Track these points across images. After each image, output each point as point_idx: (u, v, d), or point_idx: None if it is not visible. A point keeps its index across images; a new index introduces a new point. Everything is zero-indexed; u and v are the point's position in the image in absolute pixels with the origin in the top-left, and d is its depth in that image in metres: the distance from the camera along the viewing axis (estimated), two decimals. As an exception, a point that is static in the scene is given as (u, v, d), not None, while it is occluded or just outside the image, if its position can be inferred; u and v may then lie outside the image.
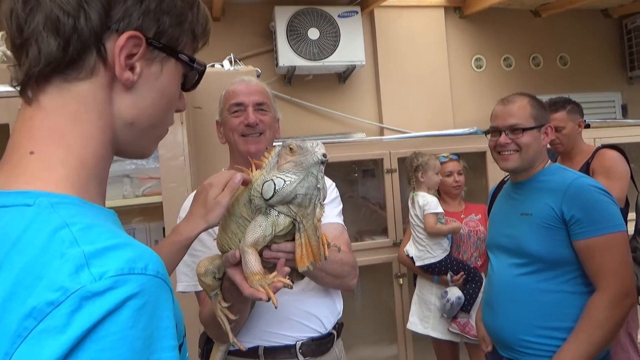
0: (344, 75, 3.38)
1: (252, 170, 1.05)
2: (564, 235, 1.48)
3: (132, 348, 0.44)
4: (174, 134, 1.93)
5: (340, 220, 1.44)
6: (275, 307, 0.97)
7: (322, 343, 1.36)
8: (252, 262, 0.97)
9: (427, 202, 2.44)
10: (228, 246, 1.07)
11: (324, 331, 1.37)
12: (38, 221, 0.48)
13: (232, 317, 1.11)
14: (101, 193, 0.60)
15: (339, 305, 1.46)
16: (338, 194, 1.50)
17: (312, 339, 1.34)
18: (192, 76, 0.67)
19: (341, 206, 1.48)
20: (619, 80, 4.07)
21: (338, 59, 3.16)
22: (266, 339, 1.33)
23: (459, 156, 2.69)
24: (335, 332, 1.41)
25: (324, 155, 0.96)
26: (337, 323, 1.43)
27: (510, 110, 1.60)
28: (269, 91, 1.47)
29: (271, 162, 1.01)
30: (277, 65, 3.14)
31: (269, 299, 0.95)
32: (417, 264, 2.48)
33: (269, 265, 1.03)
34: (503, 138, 1.60)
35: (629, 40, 4.02)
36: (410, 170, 2.54)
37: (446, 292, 2.38)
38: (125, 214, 2.12)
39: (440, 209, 2.44)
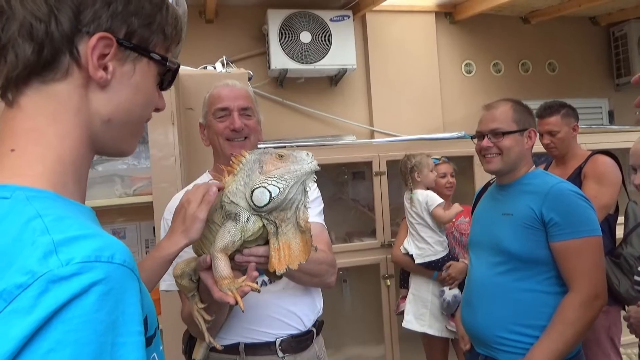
0: (335, 79, 3.43)
1: (225, 177, 1.07)
2: (541, 236, 1.53)
3: (96, 331, 0.46)
4: (165, 134, 1.96)
5: (320, 219, 1.47)
6: (242, 311, 1.01)
7: (302, 340, 1.40)
8: (221, 266, 1.00)
9: (427, 197, 2.48)
10: (202, 250, 1.11)
11: (303, 328, 1.40)
12: (14, 212, 0.52)
13: (207, 317, 1.14)
14: (79, 189, 0.63)
15: (319, 304, 1.49)
16: (319, 194, 1.53)
17: (292, 336, 1.38)
18: (169, 75, 0.70)
19: (322, 206, 1.52)
20: (606, 87, 4.14)
21: (330, 62, 3.20)
22: (247, 335, 1.36)
23: (448, 159, 2.75)
24: (314, 330, 1.44)
25: (318, 166, 1.01)
26: (316, 321, 1.47)
27: (493, 115, 1.67)
28: (252, 95, 1.50)
29: (246, 168, 1.03)
30: (269, 67, 3.18)
31: (237, 303, 0.99)
32: (418, 261, 2.50)
33: (242, 268, 1.06)
34: (485, 141, 1.66)
35: (616, 47, 4.10)
36: (406, 172, 2.57)
37: (443, 291, 2.42)
38: (116, 213, 2.15)
39: (441, 199, 2.48)
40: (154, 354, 0.62)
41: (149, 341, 0.57)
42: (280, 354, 1.36)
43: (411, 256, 2.53)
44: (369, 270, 2.96)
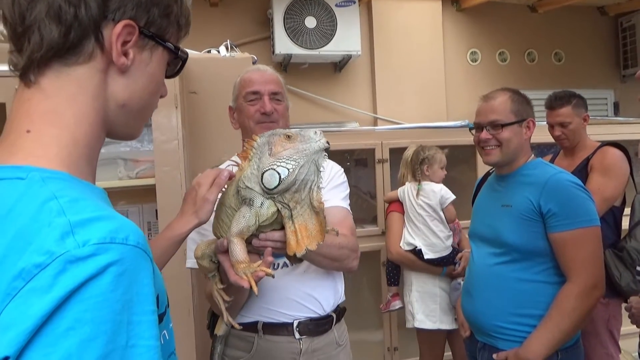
0: (339, 65, 3.41)
1: (242, 163, 1.09)
2: (540, 227, 1.54)
3: (112, 310, 0.48)
4: (169, 117, 1.96)
5: (344, 204, 1.47)
6: (256, 295, 1.03)
7: (320, 324, 1.41)
8: (237, 251, 1.03)
9: (443, 191, 2.44)
10: (220, 234, 1.13)
11: (322, 313, 1.41)
12: (29, 193, 0.53)
13: (226, 298, 1.16)
14: (91, 171, 0.65)
15: (341, 289, 1.49)
16: (345, 179, 1.53)
17: (310, 319, 1.39)
18: (175, 64, 0.72)
19: (347, 191, 1.51)
20: (612, 78, 4.11)
21: (334, 48, 3.19)
22: (265, 315, 1.39)
23: (450, 149, 2.71)
24: (334, 315, 1.45)
25: (327, 142, 1.01)
26: (338, 306, 1.47)
27: (491, 106, 1.66)
28: (282, 81, 1.51)
29: (258, 152, 1.05)
30: (273, 52, 3.17)
31: (251, 287, 1.01)
32: (428, 257, 2.40)
33: (261, 252, 1.08)
34: (484, 134, 1.65)
35: (624, 38, 4.05)
36: (416, 163, 2.51)
37: (459, 284, 2.32)
38: (118, 196, 2.16)
39: (454, 196, 2.46)
40: (165, 331, 0.64)
41: (160, 318, 0.59)
42: (297, 335, 1.37)
43: (416, 252, 2.44)
44: (370, 257, 2.96)
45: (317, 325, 1.40)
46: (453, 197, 2.43)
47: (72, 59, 0.60)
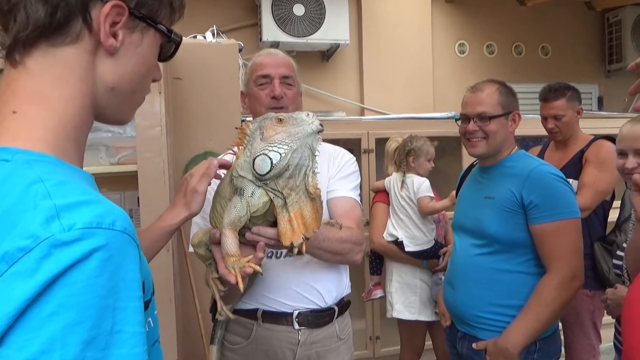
0: (327, 54, 3.39)
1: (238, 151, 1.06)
2: (521, 219, 1.55)
3: (97, 295, 0.47)
4: (152, 103, 1.93)
5: (354, 195, 1.42)
6: (242, 292, 1.00)
7: (320, 316, 1.38)
8: (228, 243, 1.00)
9: (420, 184, 2.40)
10: (215, 224, 1.11)
11: (323, 305, 1.38)
12: (15, 175, 0.51)
13: (221, 287, 1.14)
14: (79, 155, 0.63)
15: (346, 282, 1.46)
16: (357, 169, 1.49)
17: (311, 311, 1.37)
18: (168, 47, 0.71)
19: (358, 181, 1.47)
20: (597, 73, 4.15)
21: (322, 36, 3.16)
22: (265, 303, 1.37)
23: (436, 140, 2.71)
24: (336, 308, 1.41)
25: (321, 125, 0.97)
26: (341, 299, 1.44)
27: (479, 98, 1.65)
28: (294, 65, 1.47)
29: (251, 138, 1.02)
30: (260, 39, 3.13)
31: (237, 282, 0.99)
32: (409, 249, 2.40)
33: (256, 244, 1.05)
34: (471, 125, 1.65)
35: (610, 33, 4.09)
36: (402, 153, 2.49)
37: (441, 279, 2.31)
38: (99, 182, 2.11)
39: (431, 193, 2.41)
40: (149, 318, 0.63)
41: (145, 305, 0.59)
42: (296, 326, 1.35)
43: (397, 243, 2.44)
44: (354, 247, 2.97)
45: (317, 317, 1.37)
46: (428, 193, 2.39)
47: (59, 39, 0.59)
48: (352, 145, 3.13)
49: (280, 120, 0.98)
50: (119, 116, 0.69)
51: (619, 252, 1.53)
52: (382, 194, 2.59)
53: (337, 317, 1.41)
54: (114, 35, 0.61)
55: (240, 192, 1.00)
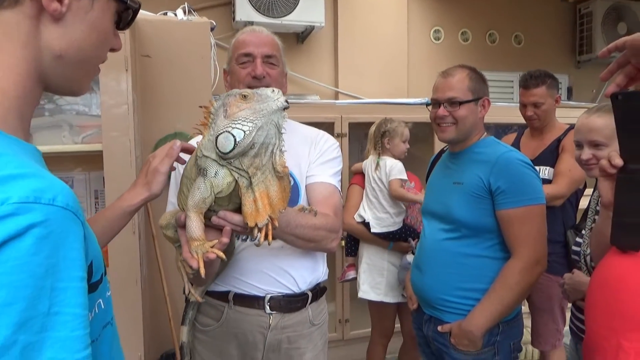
0: (302, 36, 3.34)
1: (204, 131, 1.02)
2: (489, 204, 1.57)
3: (33, 274, 0.45)
4: (117, 81, 1.87)
5: (333, 181, 1.40)
6: (203, 277, 0.97)
7: (293, 301, 1.37)
8: (192, 227, 0.97)
9: (393, 166, 2.42)
10: (182, 206, 1.08)
11: (296, 290, 1.37)
12: None
13: (189, 270, 1.10)
14: (23, 127, 0.59)
15: (322, 268, 1.45)
16: (339, 154, 1.46)
17: (284, 295, 1.35)
18: (127, 15, 0.67)
19: (340, 167, 1.44)
20: (568, 63, 4.22)
21: (297, 17, 3.11)
22: (237, 286, 1.35)
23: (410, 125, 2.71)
24: (310, 294, 1.40)
25: (287, 102, 0.94)
26: (316, 285, 1.43)
27: (450, 83, 1.66)
28: (279, 44, 1.43)
29: (214, 116, 0.98)
30: (234, 19, 3.06)
31: (199, 268, 0.96)
32: (375, 230, 2.43)
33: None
34: (441, 110, 1.66)
35: (581, 25, 4.15)
36: (377, 135, 2.50)
37: (409, 263, 2.32)
38: (63, 161, 2.06)
39: (404, 176, 2.43)
40: (100, 300, 0.61)
41: (94, 287, 0.56)
42: (267, 310, 1.34)
43: (367, 224, 2.47)
44: (325, 231, 2.98)
45: (290, 302, 1.36)
46: (401, 176, 2.41)
47: None
48: (325, 129, 3.11)
49: (245, 96, 0.95)
50: (70, 86, 0.65)
51: (577, 239, 1.57)
52: (359, 177, 2.62)
53: (310, 302, 1.40)
54: (59, 0, 0.57)
55: (204, 173, 0.97)
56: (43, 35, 0.58)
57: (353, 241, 2.63)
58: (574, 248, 1.59)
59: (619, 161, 0.96)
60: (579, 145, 1.45)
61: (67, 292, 0.47)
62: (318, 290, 1.44)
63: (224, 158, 0.95)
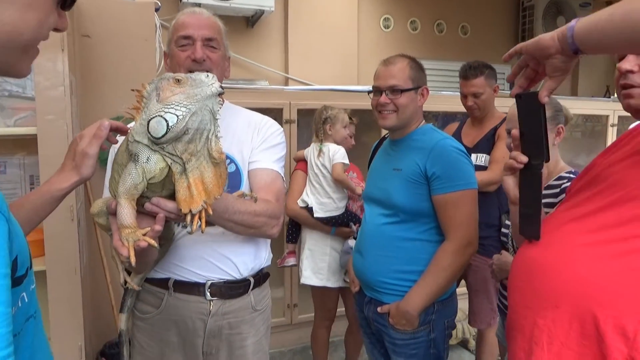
0: (252, 20, 3.31)
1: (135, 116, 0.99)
2: (425, 189, 1.63)
3: None
4: (53, 61, 1.79)
5: (276, 167, 1.39)
6: (133, 265, 0.95)
7: (234, 287, 1.36)
8: (123, 214, 0.95)
9: (336, 151, 2.46)
10: (113, 193, 1.04)
11: (238, 276, 1.36)
12: None
13: (123, 258, 1.08)
14: None
15: (265, 254, 1.44)
16: (283, 140, 1.45)
17: (225, 282, 1.35)
18: None
19: (283, 152, 1.43)
20: (511, 55, 4.38)
21: (246, 1, 3.07)
22: (177, 273, 1.34)
23: (359, 113, 2.75)
24: (252, 280, 1.40)
25: (221, 87, 0.93)
26: (259, 271, 1.43)
27: (391, 71, 1.70)
28: (221, 26, 1.40)
29: (147, 100, 0.96)
30: (181, 0, 2.99)
31: (129, 256, 0.94)
32: (318, 215, 2.46)
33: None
34: (383, 98, 1.70)
35: (524, 17, 4.32)
36: (319, 122, 2.53)
37: (351, 248, 2.34)
38: (-5, 145, 1.97)
39: (347, 160, 2.46)
40: (24, 293, 0.60)
41: (19, 281, 0.55)
42: (208, 296, 1.33)
43: (308, 209, 2.49)
44: (274, 217, 2.99)
45: (231, 289, 1.36)
46: (343, 160, 2.45)
47: None
48: (274, 115, 3.11)
49: (178, 80, 0.93)
50: (7, 68, 0.62)
51: (507, 222, 1.66)
52: (302, 163, 2.63)
53: (252, 288, 1.41)
54: None
55: (135, 158, 0.95)
56: None
57: (294, 228, 2.64)
58: (504, 230, 1.68)
59: (523, 158, 1.03)
60: (509, 133, 1.53)
61: None
62: (261, 276, 1.44)
63: (156, 143, 0.93)
